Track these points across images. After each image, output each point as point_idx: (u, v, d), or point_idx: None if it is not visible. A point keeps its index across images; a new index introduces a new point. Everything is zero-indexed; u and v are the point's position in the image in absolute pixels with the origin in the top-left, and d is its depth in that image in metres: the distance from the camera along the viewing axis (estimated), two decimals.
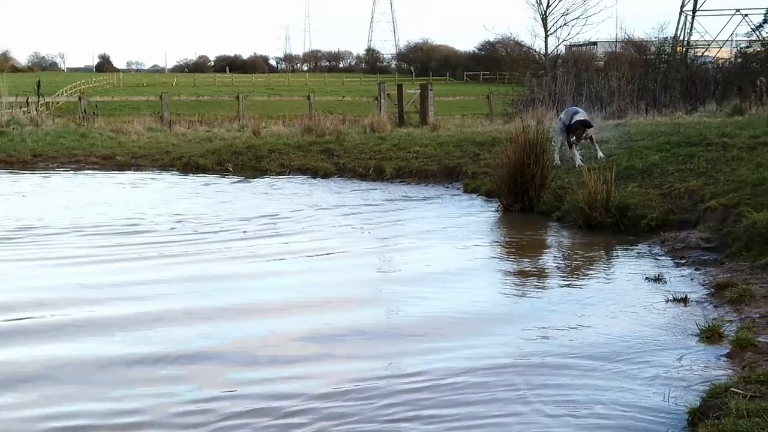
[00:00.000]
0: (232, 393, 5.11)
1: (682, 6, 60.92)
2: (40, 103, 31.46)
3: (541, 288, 7.78)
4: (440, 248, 9.65)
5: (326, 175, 16.80)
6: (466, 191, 14.51)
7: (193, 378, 5.38)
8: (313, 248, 9.57)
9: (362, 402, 4.96)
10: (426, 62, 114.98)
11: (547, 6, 48.21)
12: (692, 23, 60.29)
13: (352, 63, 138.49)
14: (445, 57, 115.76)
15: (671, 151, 13.11)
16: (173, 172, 18.01)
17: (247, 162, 18.31)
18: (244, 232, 10.61)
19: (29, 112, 29.37)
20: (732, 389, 4.76)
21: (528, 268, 8.70)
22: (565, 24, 48.43)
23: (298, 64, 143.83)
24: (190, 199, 13.85)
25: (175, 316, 6.77)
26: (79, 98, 31.63)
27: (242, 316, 6.81)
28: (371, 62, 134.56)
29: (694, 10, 60.54)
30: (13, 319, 6.66)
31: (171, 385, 5.25)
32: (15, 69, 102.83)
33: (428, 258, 9.09)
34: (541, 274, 8.41)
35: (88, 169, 18.76)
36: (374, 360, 5.71)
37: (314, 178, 16.66)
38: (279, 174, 17.15)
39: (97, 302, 7.19)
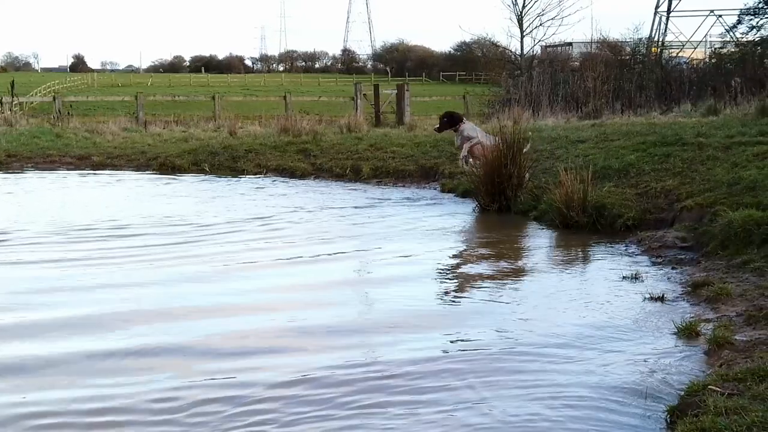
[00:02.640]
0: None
1: (657, 7, 61.45)
2: (14, 103, 31.24)
3: (517, 286, 7.79)
4: (415, 248, 9.61)
5: (303, 176, 16.76)
6: (443, 191, 14.53)
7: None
8: (284, 254, 9.47)
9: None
10: (402, 63, 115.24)
11: (523, 6, 48.49)
12: (667, 24, 60.83)
13: (328, 63, 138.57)
14: (421, 57, 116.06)
15: (647, 151, 13.18)
16: (150, 173, 17.92)
17: (224, 162, 18.25)
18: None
19: (2, 113, 29.17)
20: (710, 387, 4.77)
21: (505, 267, 8.69)
22: (540, 24, 48.76)
23: (274, 65, 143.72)
24: (171, 199, 13.78)
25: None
26: (54, 98, 31.42)
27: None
28: (347, 63, 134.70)
29: (669, 11, 61.07)
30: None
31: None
32: None
33: (404, 259, 9.06)
34: (518, 273, 8.41)
35: (64, 169, 18.63)
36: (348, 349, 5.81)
37: (291, 178, 16.62)
38: (256, 174, 17.11)
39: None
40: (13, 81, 32.60)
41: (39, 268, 8.49)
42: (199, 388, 5.13)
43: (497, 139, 12.33)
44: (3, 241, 9.95)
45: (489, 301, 7.30)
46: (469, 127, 13.55)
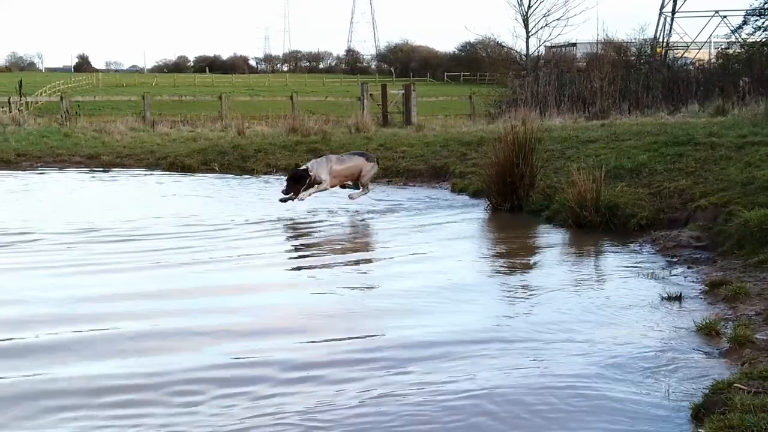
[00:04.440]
0: None
1: (662, 7, 61.36)
2: (21, 103, 31.30)
3: (535, 286, 7.77)
4: (429, 248, 9.62)
5: None
6: (453, 191, 14.54)
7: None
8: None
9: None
10: (406, 63, 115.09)
11: (529, 7, 48.35)
12: (671, 24, 60.75)
13: (332, 64, 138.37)
14: (425, 58, 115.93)
15: (659, 151, 13.18)
16: (160, 172, 17.95)
17: (233, 162, 18.29)
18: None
19: (10, 112, 29.23)
20: (735, 385, 4.78)
21: (521, 267, 8.70)
22: (546, 25, 48.60)
23: (278, 65, 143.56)
24: (187, 198, 13.78)
25: None
26: (61, 98, 31.47)
27: None
28: (351, 63, 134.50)
29: (674, 12, 61.00)
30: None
31: None
32: None
33: (419, 258, 9.08)
34: (534, 273, 8.42)
35: (74, 168, 18.68)
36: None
37: None
38: (266, 173, 17.12)
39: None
40: (21, 81, 32.66)
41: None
42: None
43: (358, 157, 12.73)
44: (36, 240, 9.98)
45: (506, 300, 7.32)
46: (317, 168, 12.50)
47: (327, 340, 6.05)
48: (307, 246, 9.96)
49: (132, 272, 8.29)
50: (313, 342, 6.02)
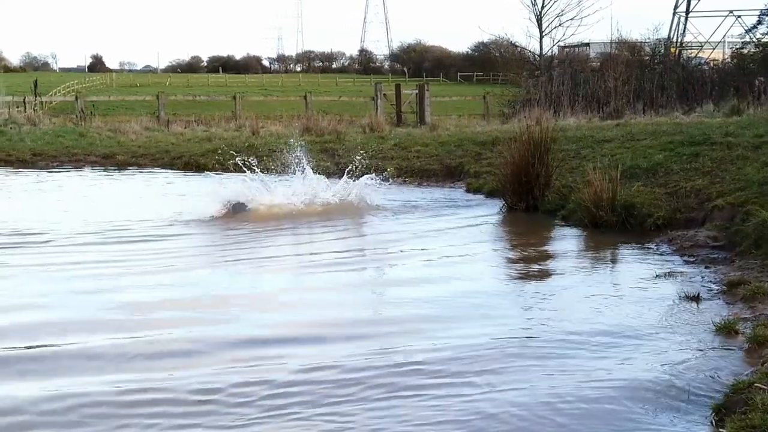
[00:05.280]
0: None
1: (676, 7, 61.16)
2: (36, 102, 31.42)
3: (553, 285, 7.78)
4: (446, 248, 9.61)
5: (327, 175, 16.74)
6: (468, 190, 14.53)
7: None
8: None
9: None
10: (419, 63, 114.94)
11: (542, 7, 48.24)
12: (685, 24, 60.53)
13: (345, 64, 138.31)
14: (438, 58, 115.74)
15: (675, 151, 13.15)
16: (174, 171, 17.99)
17: (248, 161, 18.26)
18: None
19: (25, 111, 29.35)
20: (756, 385, 4.77)
21: (538, 266, 8.70)
22: (560, 25, 48.41)
23: (291, 65, 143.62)
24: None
25: None
26: (76, 98, 31.58)
27: None
28: (364, 63, 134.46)
29: (687, 12, 60.76)
30: None
31: None
32: (7, 69, 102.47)
33: (436, 260, 9.08)
34: (552, 272, 8.41)
35: (89, 168, 18.75)
36: None
37: None
38: (281, 173, 17.10)
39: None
40: (36, 81, 32.81)
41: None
42: None
43: None
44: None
45: (526, 298, 7.32)
46: None
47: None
48: (325, 246, 9.95)
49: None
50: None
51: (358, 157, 13.15)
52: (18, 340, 6.04)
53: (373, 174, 12.98)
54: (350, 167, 12.80)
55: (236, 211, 11.89)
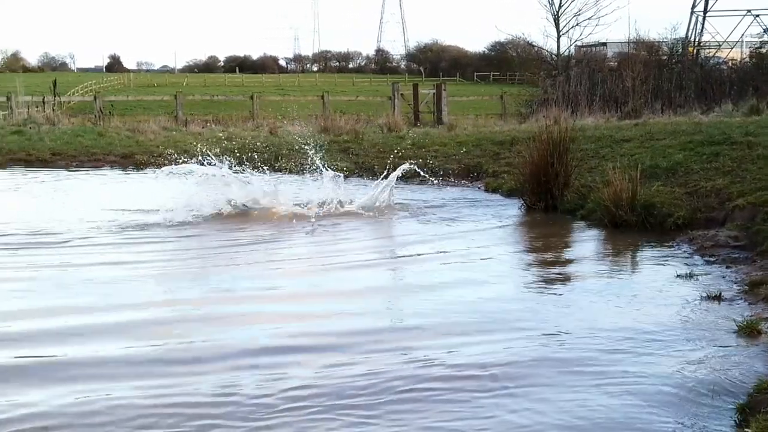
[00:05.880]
0: None
1: (693, 7, 60.98)
2: (55, 102, 31.58)
3: (575, 284, 7.77)
4: (466, 248, 9.61)
5: (346, 174, 16.76)
6: (487, 190, 14.51)
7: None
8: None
9: None
10: (436, 63, 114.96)
11: (560, 6, 48.20)
12: (703, 24, 60.35)
13: (362, 63, 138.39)
14: (454, 57, 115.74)
15: (695, 150, 13.11)
16: None
17: (267, 161, 18.32)
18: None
19: (44, 111, 29.49)
20: None
21: (560, 266, 8.70)
22: (577, 24, 48.39)
23: (308, 65, 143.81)
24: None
25: None
26: (95, 97, 31.71)
27: None
28: (381, 63, 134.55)
29: (705, 11, 60.61)
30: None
31: None
32: (26, 69, 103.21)
33: (456, 258, 9.08)
34: (574, 272, 8.40)
35: (108, 167, 18.82)
36: None
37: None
38: (299, 173, 17.14)
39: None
40: (55, 81, 32.97)
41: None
42: None
43: None
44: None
45: (548, 298, 7.30)
46: None
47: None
48: (342, 248, 9.95)
49: None
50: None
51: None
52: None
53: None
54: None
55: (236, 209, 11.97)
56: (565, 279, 8.06)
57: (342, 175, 13.09)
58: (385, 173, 12.88)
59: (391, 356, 5.66)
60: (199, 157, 12.99)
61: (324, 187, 12.62)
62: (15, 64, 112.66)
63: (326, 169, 13.00)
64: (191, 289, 7.72)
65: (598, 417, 4.70)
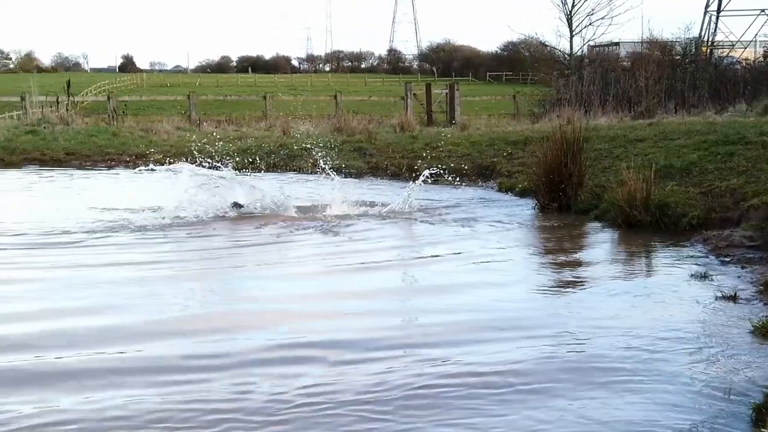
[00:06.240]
0: None
1: (707, 6, 60.75)
2: (69, 102, 31.65)
3: (590, 285, 7.74)
4: (480, 248, 9.59)
5: (359, 174, 16.81)
6: (500, 190, 14.51)
7: None
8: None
9: None
10: (448, 62, 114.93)
11: (573, 6, 48.11)
12: (717, 23, 60.13)
13: (374, 63, 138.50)
14: (467, 57, 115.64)
15: (709, 150, 13.08)
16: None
17: (280, 161, 18.37)
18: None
19: (58, 111, 29.57)
20: None
21: (575, 266, 8.69)
22: (590, 24, 48.31)
23: (321, 65, 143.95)
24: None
25: None
26: (108, 97, 31.77)
27: None
28: (393, 63, 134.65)
29: (719, 11, 60.38)
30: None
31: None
32: (40, 69, 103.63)
33: (475, 259, 9.07)
34: (588, 272, 8.39)
35: (122, 167, 18.89)
36: None
37: (348, 177, 16.52)
38: (312, 173, 17.17)
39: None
40: (69, 81, 33.05)
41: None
42: None
43: None
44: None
45: (563, 299, 7.29)
46: None
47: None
48: (355, 248, 9.92)
49: None
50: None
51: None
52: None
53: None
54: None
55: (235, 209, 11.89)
56: (580, 280, 8.04)
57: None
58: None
59: (404, 357, 5.66)
60: (216, 159, 12.94)
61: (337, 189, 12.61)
62: (29, 65, 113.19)
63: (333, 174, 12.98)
64: (211, 289, 7.75)
65: (612, 417, 4.68)
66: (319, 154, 14.01)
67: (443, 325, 6.43)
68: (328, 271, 8.62)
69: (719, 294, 7.12)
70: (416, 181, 12.68)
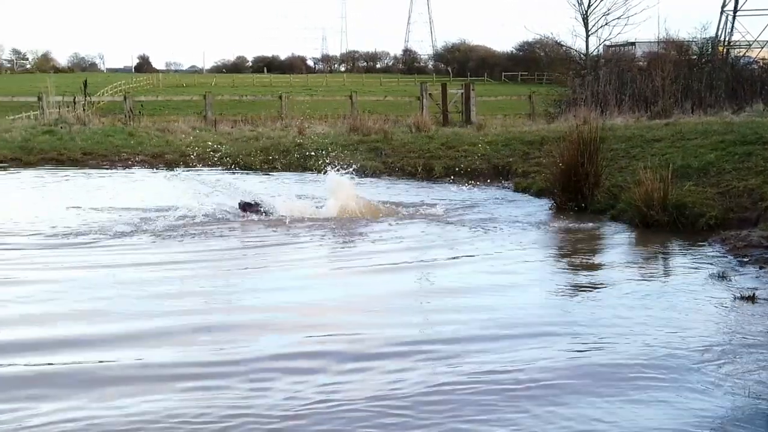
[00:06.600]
0: None
1: (723, 6, 60.54)
2: (85, 102, 31.79)
3: (608, 286, 7.71)
4: (498, 249, 9.58)
5: (375, 174, 16.82)
6: (516, 190, 14.51)
7: None
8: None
9: None
10: (464, 62, 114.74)
11: (589, 6, 48.07)
12: (733, 23, 59.90)
13: (390, 63, 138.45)
14: (482, 57, 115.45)
15: (727, 150, 13.03)
16: (221, 170, 18.14)
17: (296, 161, 18.40)
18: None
19: (75, 111, 29.68)
20: None
21: (592, 267, 8.65)
22: (606, 24, 48.29)
23: (336, 65, 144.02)
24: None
25: None
26: (125, 97, 31.92)
27: None
28: (408, 63, 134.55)
29: (735, 10, 60.14)
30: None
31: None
32: (56, 69, 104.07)
33: (493, 261, 9.05)
34: (606, 272, 8.35)
35: (139, 167, 18.97)
36: None
37: (363, 176, 16.46)
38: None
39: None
40: (86, 81, 33.21)
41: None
42: None
43: None
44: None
45: (585, 301, 7.26)
46: None
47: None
48: (372, 249, 9.90)
49: None
50: None
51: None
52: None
53: None
54: None
55: (246, 211, 11.69)
56: (598, 281, 7.99)
57: None
58: None
59: (420, 358, 5.65)
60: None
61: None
62: (45, 65, 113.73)
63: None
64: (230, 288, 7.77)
65: (625, 419, 4.67)
66: (332, 153, 13.95)
67: (458, 324, 6.42)
68: (343, 271, 8.65)
69: (738, 295, 7.09)
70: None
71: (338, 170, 12.79)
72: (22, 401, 4.87)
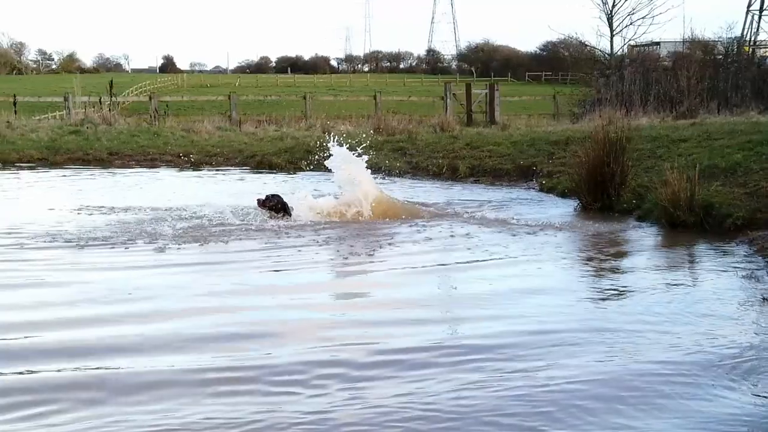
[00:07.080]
0: None
1: (749, 6, 60.15)
2: (111, 102, 32.02)
3: (637, 285, 7.67)
4: (522, 249, 9.55)
5: (400, 174, 16.82)
6: (541, 190, 14.47)
7: None
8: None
9: None
10: (487, 63, 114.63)
11: (613, 5, 47.92)
12: (759, 23, 59.50)
13: (413, 64, 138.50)
14: (506, 57, 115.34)
15: (754, 150, 12.96)
16: (247, 170, 18.20)
17: (321, 160, 18.39)
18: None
19: (101, 111, 29.89)
20: None
21: (619, 268, 8.61)
22: (631, 23, 48.14)
23: (359, 65, 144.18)
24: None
25: None
26: (150, 97, 32.11)
27: None
28: (432, 63, 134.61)
29: (761, 10, 59.75)
30: None
31: None
32: (82, 70, 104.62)
33: (521, 262, 9.04)
34: (633, 273, 8.31)
35: (165, 166, 19.07)
36: None
37: (388, 176, 16.46)
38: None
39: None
40: (111, 81, 33.41)
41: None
42: None
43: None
44: None
45: (612, 305, 7.22)
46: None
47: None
48: (396, 251, 9.84)
49: None
50: None
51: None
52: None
53: None
54: None
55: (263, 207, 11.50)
56: (626, 284, 7.88)
57: None
58: None
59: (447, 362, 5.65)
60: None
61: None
62: (71, 65, 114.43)
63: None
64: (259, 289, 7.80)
65: (652, 427, 4.65)
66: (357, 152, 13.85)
67: (484, 328, 6.39)
68: (368, 273, 8.65)
69: (766, 295, 7.04)
70: None
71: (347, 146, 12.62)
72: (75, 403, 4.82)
